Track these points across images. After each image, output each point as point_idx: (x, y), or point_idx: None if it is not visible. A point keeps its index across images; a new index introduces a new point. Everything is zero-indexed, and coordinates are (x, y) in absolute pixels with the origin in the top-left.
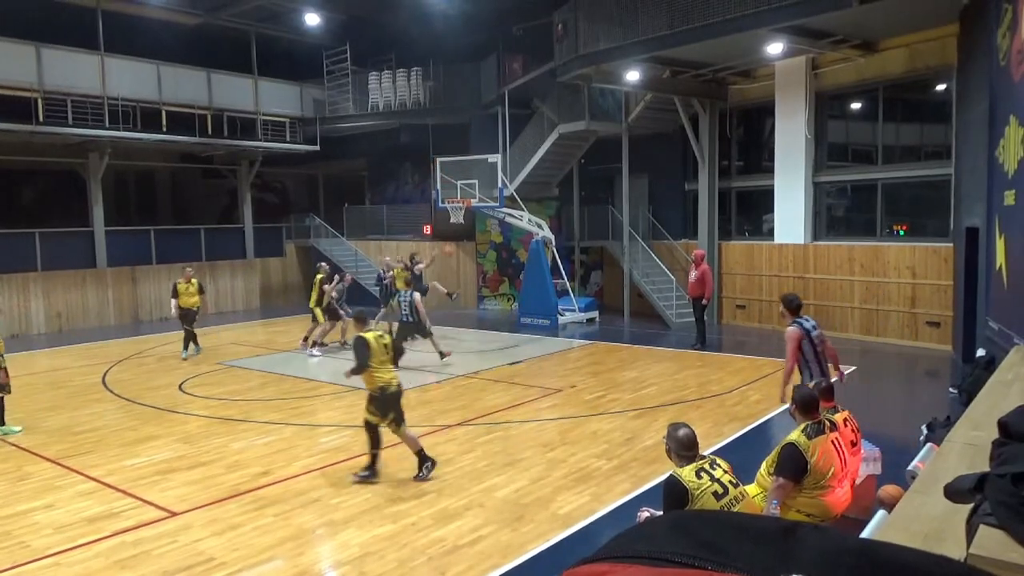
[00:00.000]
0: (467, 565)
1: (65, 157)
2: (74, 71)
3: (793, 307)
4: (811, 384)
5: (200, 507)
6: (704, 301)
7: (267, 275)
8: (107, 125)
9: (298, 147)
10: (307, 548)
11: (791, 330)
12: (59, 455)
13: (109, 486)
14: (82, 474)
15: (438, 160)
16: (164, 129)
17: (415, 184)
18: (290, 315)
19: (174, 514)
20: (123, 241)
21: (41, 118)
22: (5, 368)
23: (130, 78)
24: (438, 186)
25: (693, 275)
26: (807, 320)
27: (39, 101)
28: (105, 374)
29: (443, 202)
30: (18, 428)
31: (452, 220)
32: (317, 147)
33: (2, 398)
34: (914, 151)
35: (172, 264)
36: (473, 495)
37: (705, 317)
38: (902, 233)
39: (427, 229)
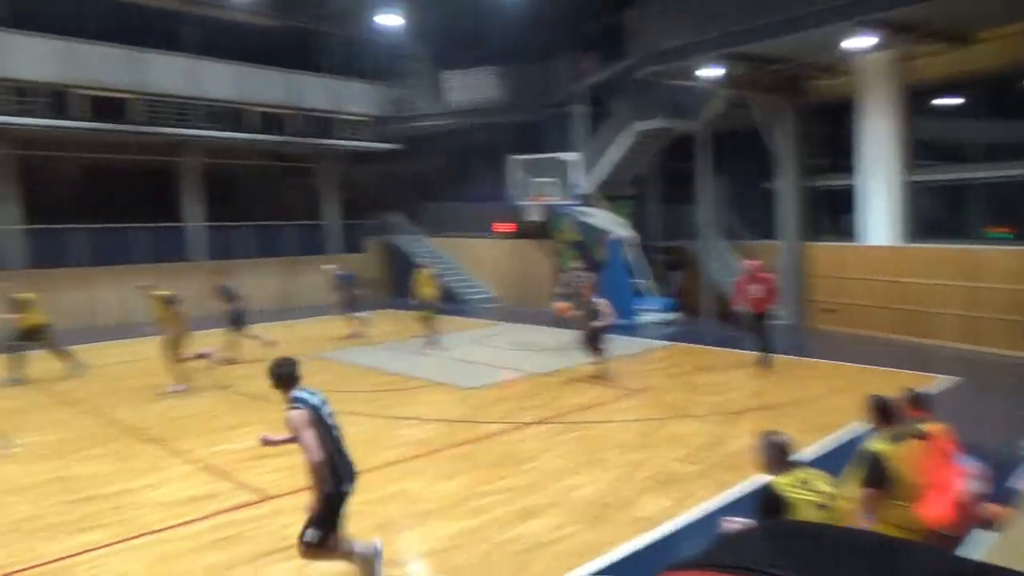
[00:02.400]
0: (548, 563)
1: (160, 156)
2: (169, 73)
3: (285, 379)
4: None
5: (291, 493)
6: (769, 311)
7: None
8: (199, 125)
9: (379, 145)
10: (394, 537)
11: (295, 414)
12: (162, 437)
13: (206, 468)
14: (183, 456)
15: (513, 158)
16: (252, 129)
17: (491, 182)
18: (371, 310)
19: (267, 498)
20: (213, 237)
21: (137, 119)
22: None
23: (220, 80)
24: (514, 184)
25: (755, 288)
26: (313, 394)
27: (135, 103)
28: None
29: (519, 200)
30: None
31: (528, 218)
32: (397, 146)
33: None
34: (1018, 149)
35: (258, 259)
36: (554, 494)
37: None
38: (1005, 236)
39: (500, 227)
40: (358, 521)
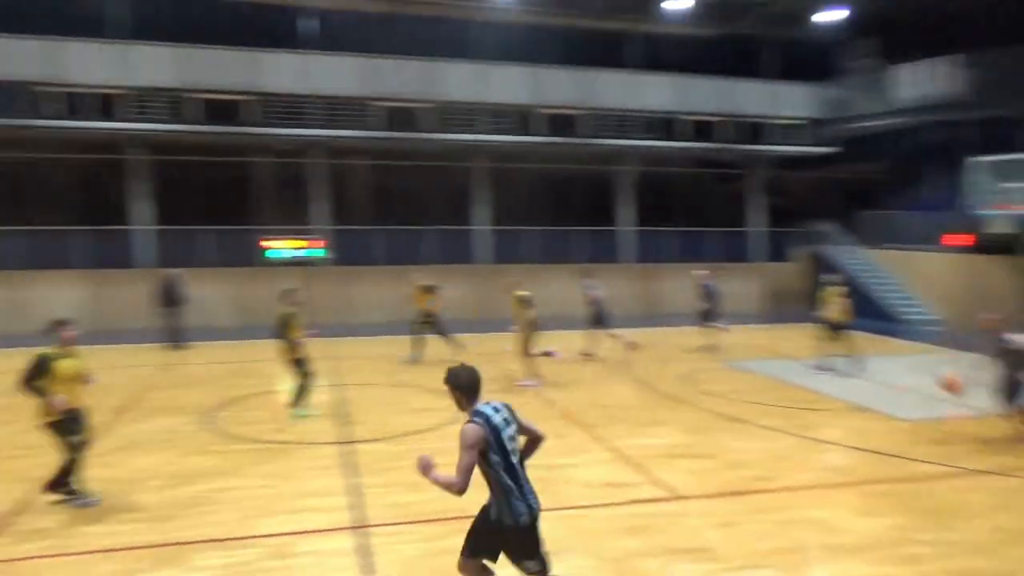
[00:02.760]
0: None
1: (600, 165)
2: (613, 89)
3: (464, 389)
4: None
5: (701, 496)
6: None
7: (773, 280)
8: (636, 135)
9: (812, 150)
10: (804, 567)
11: (470, 428)
12: (589, 423)
13: (625, 458)
14: (605, 443)
15: (975, 160)
16: (684, 137)
17: (943, 188)
18: (793, 322)
19: (678, 497)
20: (645, 241)
21: (582, 131)
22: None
23: (658, 92)
24: (974, 190)
25: None
26: (497, 410)
27: (581, 118)
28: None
29: (980, 209)
30: (317, 411)
31: (991, 230)
32: (833, 149)
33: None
34: None
35: (682, 264)
36: (1008, 561)
37: None
38: None
39: (952, 239)
40: (767, 540)
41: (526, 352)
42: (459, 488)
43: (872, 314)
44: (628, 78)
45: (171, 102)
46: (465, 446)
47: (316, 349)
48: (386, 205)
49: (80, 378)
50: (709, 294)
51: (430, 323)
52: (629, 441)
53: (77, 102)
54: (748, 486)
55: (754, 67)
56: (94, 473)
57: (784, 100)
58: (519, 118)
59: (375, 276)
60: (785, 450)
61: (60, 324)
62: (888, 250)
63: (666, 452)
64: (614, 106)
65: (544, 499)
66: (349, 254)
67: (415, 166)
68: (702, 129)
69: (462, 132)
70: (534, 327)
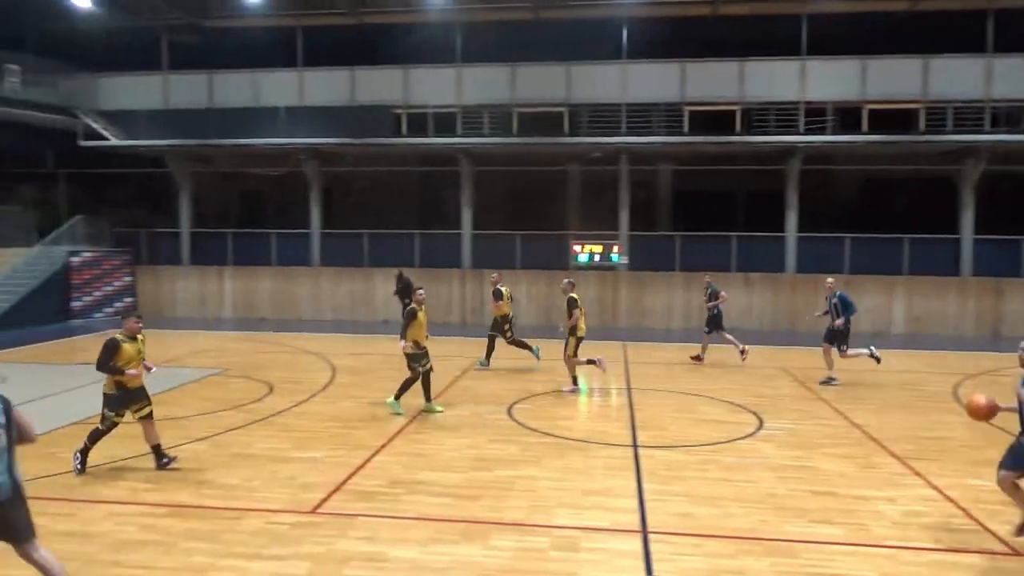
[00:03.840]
0: None
1: (940, 164)
2: (952, 78)
3: None
4: None
5: None
6: None
7: None
8: (986, 130)
9: None
10: None
11: None
12: (904, 454)
13: (949, 499)
14: (924, 479)
15: None
16: None
17: None
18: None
19: (1018, 554)
20: (989, 251)
21: (922, 127)
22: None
23: (1013, 78)
24: None
25: None
26: None
27: (922, 112)
28: (957, 386)
29: None
30: (440, 408)
31: None
32: None
33: (425, 374)
34: None
35: None
36: None
37: None
38: None
39: None
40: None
41: (571, 357)
42: None
43: None
44: (980, 62)
45: (500, 117)
46: None
47: (611, 352)
48: (688, 210)
49: (139, 362)
50: (839, 308)
51: (504, 327)
52: (954, 480)
53: (422, 121)
54: None
55: None
56: (409, 448)
57: None
58: (841, 115)
59: (672, 282)
60: None
61: (128, 314)
62: None
63: (1002, 499)
64: (960, 96)
65: (848, 532)
66: (648, 259)
67: (720, 170)
68: None
69: (777, 133)
70: (579, 331)
